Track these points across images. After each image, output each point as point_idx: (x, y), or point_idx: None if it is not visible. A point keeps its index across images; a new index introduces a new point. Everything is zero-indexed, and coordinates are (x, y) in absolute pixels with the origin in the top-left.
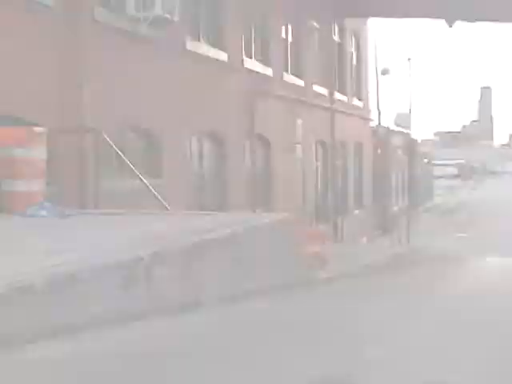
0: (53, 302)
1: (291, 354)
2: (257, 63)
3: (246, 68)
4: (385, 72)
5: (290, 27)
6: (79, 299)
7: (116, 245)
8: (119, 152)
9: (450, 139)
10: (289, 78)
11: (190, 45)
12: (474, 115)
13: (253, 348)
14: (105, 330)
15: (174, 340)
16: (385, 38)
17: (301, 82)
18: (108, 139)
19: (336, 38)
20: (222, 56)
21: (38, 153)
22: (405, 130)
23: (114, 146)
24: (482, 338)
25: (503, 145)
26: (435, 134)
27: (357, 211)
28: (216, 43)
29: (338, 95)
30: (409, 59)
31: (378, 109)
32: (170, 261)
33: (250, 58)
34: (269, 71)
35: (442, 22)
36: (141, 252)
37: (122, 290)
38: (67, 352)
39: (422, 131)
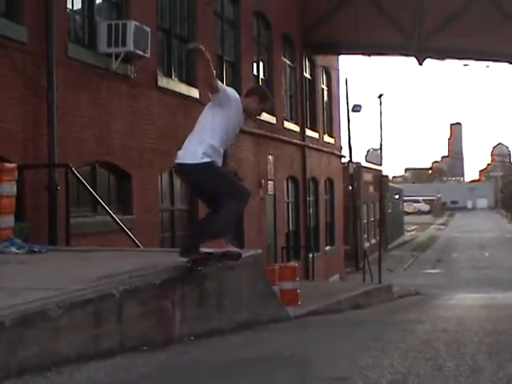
0: (22, 339)
1: None
2: None
3: None
4: (356, 109)
5: (261, 64)
6: (49, 337)
7: (87, 281)
8: (90, 188)
9: (420, 175)
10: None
11: (162, 81)
12: (445, 151)
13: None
14: (74, 368)
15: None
16: (356, 76)
17: (272, 119)
18: (78, 175)
19: (307, 74)
20: (194, 92)
21: (8, 188)
22: (376, 167)
23: (84, 182)
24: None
25: (473, 181)
26: (406, 170)
27: (328, 247)
28: (187, 80)
29: (309, 132)
30: (380, 96)
31: (350, 145)
32: (140, 298)
33: None
34: None
35: (413, 60)
36: (113, 289)
37: (92, 327)
38: None
39: (393, 167)
